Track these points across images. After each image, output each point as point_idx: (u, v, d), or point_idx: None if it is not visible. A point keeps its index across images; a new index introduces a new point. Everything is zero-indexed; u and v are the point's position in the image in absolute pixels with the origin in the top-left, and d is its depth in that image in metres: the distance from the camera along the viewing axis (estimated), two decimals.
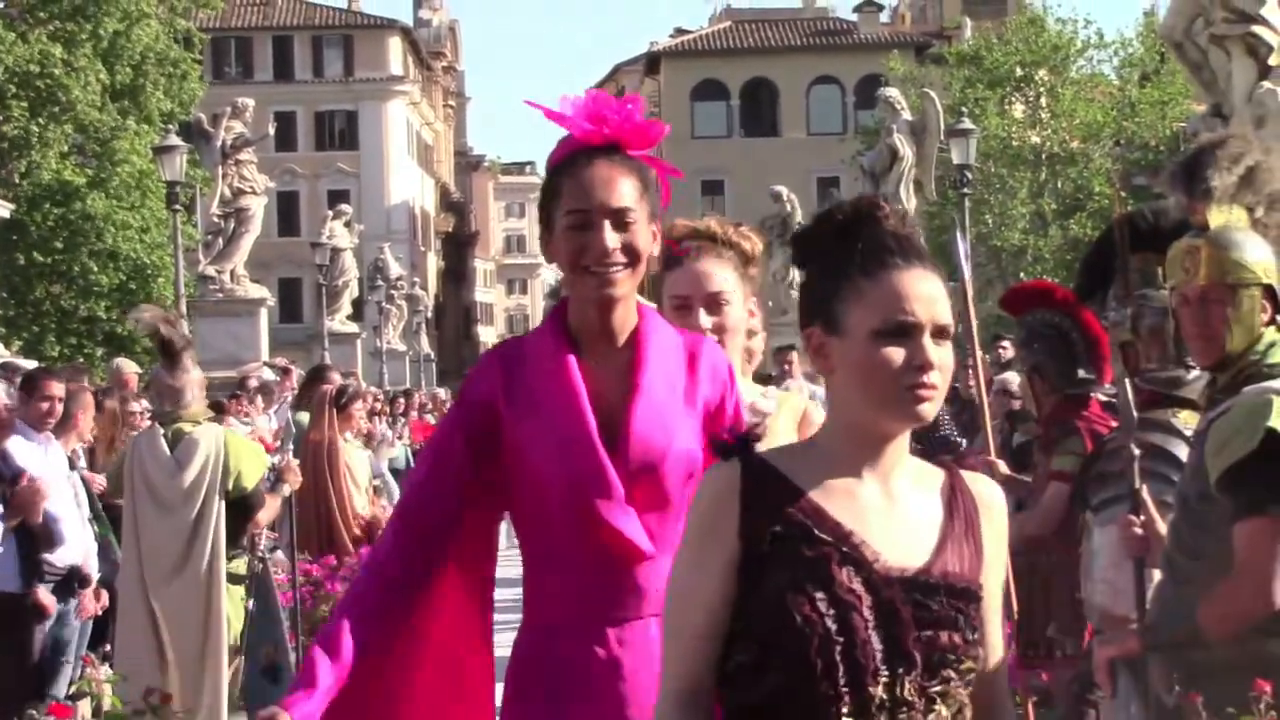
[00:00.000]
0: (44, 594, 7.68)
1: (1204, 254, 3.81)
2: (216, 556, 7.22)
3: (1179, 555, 3.70)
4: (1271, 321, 3.80)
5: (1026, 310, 6.29)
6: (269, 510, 7.69)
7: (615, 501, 2.93)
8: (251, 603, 7.53)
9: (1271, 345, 3.77)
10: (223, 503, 7.26)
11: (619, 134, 2.98)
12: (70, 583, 7.86)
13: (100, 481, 9.22)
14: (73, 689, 7.91)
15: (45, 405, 7.91)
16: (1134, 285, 5.20)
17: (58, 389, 7.97)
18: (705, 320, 3.52)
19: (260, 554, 7.78)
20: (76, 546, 7.90)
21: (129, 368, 12.10)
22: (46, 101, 35.11)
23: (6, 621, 7.57)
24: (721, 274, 3.58)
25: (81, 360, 31.28)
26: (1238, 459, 3.49)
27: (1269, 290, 3.80)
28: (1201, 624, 3.52)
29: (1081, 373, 6.08)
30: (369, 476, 10.68)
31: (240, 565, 7.58)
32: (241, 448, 7.53)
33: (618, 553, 2.94)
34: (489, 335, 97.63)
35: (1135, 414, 4.14)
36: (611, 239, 2.95)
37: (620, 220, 2.96)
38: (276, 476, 7.80)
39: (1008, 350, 11.79)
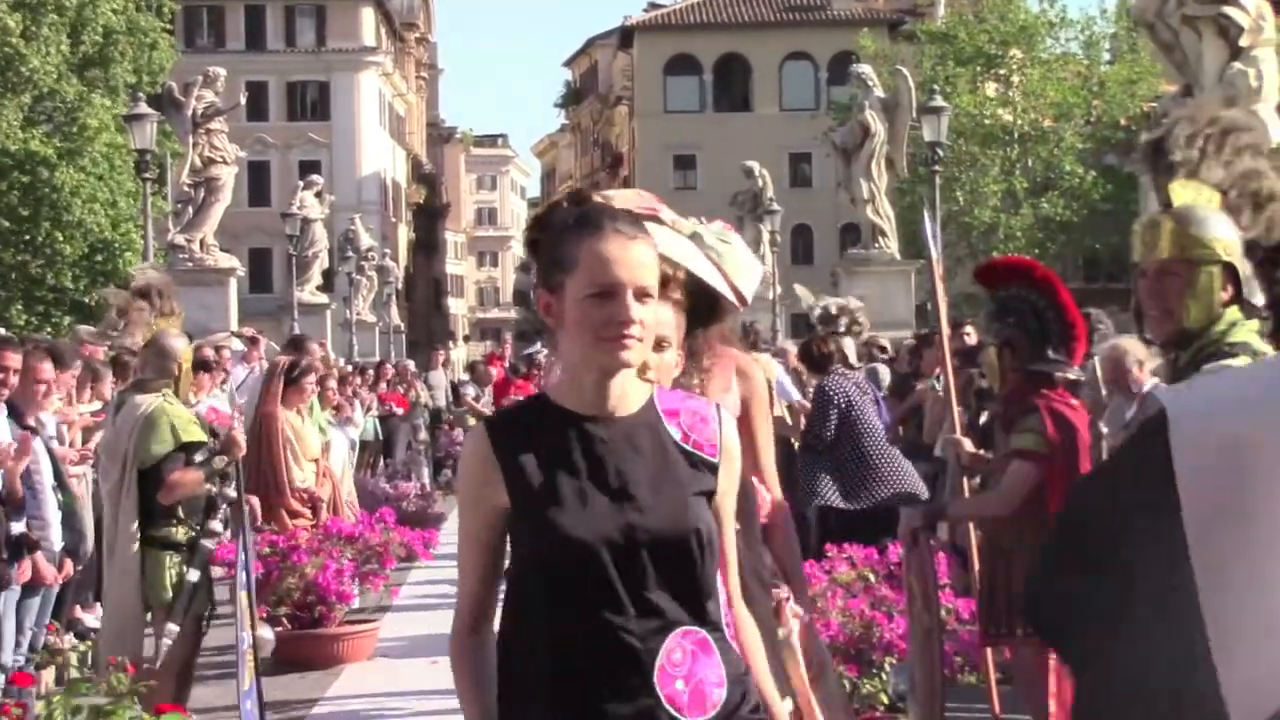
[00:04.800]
0: (43, 564, 7.74)
1: (1165, 229, 3.82)
2: (130, 522, 7.34)
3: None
4: (1233, 300, 3.81)
5: (1002, 285, 6.23)
6: (186, 482, 7.43)
7: None
8: (195, 573, 7.41)
9: (1233, 324, 3.78)
10: (135, 470, 7.37)
11: None
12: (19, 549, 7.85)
13: (68, 453, 9.22)
14: (37, 658, 7.89)
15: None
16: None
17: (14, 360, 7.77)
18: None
19: (197, 523, 7.52)
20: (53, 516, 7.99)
21: (87, 335, 12.02)
22: (4, 70, 34.81)
23: None
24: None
25: (49, 330, 31.18)
26: None
27: (1230, 269, 3.81)
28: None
29: (1051, 354, 6.04)
30: (318, 450, 10.58)
31: (179, 533, 7.50)
32: (159, 418, 7.42)
33: None
34: (459, 307, 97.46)
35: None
36: None
37: None
38: (220, 448, 7.53)
39: (970, 337, 11.43)
